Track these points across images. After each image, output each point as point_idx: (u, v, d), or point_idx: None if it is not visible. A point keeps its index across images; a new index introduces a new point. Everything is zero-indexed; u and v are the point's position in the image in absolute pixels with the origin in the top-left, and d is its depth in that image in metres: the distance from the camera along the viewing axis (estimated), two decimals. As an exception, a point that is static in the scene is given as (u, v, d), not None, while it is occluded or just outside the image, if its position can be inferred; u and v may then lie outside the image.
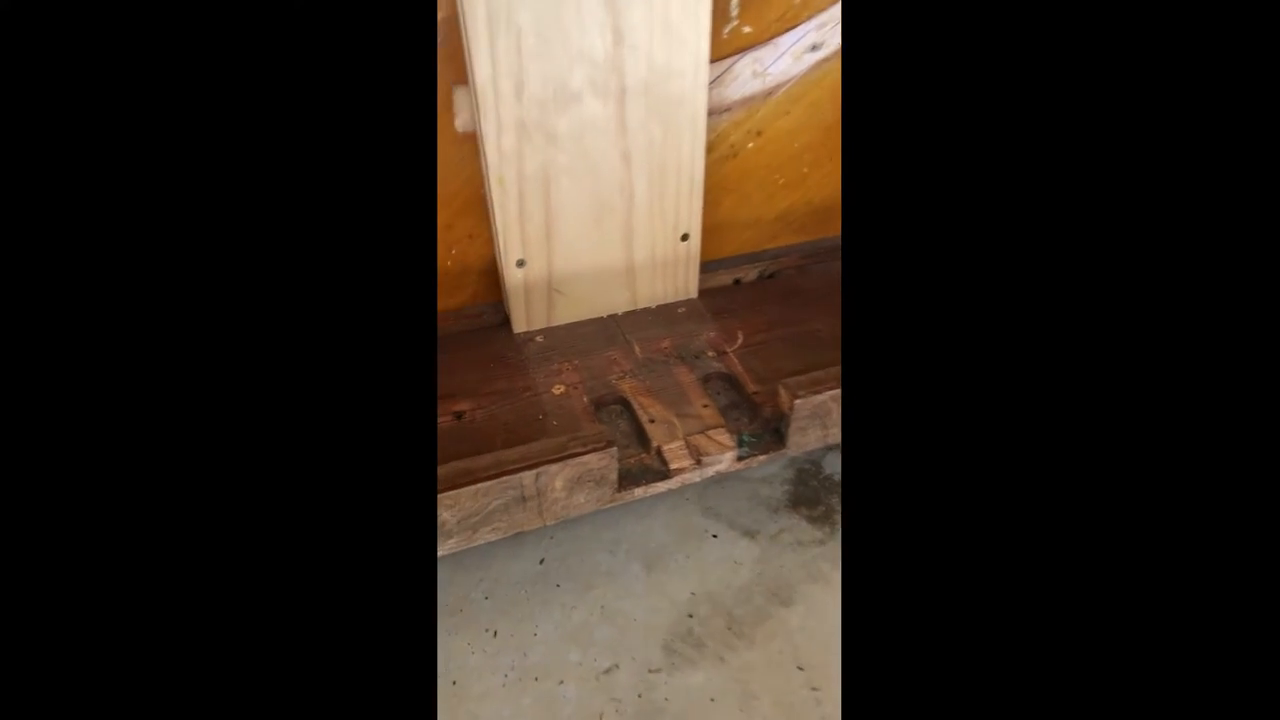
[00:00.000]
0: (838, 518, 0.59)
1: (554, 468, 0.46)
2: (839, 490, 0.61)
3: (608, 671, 0.49)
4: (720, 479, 0.62)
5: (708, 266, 0.68)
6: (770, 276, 0.71)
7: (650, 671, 0.49)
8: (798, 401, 0.51)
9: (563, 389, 0.57)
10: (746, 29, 0.59)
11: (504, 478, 0.45)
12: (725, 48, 0.59)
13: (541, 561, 0.56)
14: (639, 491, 0.51)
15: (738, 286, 0.70)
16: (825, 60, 0.62)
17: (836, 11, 0.60)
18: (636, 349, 0.61)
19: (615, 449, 0.47)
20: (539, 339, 0.62)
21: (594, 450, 0.47)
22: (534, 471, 0.46)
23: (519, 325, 0.63)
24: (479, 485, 0.45)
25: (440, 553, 0.47)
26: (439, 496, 0.44)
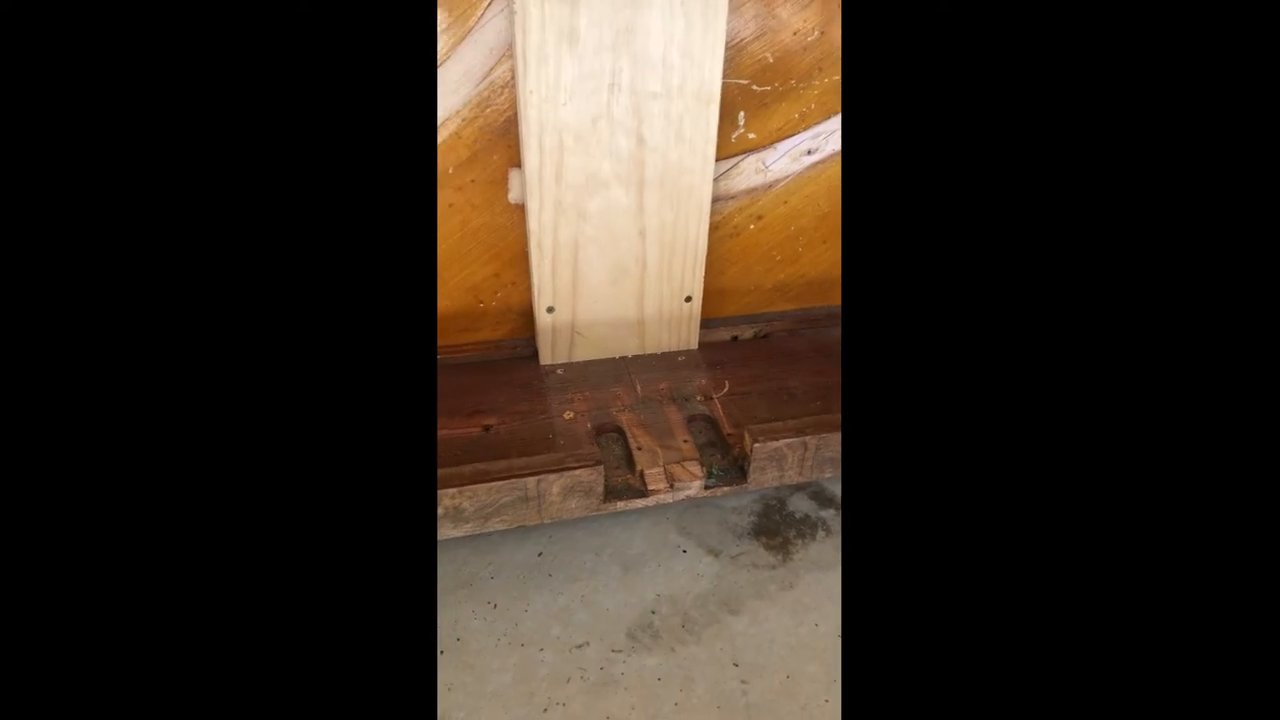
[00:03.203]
0: (792, 549, 0.69)
1: (552, 476, 0.59)
2: (797, 525, 0.72)
3: (579, 647, 0.61)
4: (697, 504, 0.73)
5: (710, 323, 0.80)
6: (764, 337, 0.83)
7: (613, 651, 0.60)
8: (756, 445, 0.62)
9: (572, 415, 0.70)
10: (751, 135, 0.71)
11: (512, 480, 0.58)
12: (733, 148, 0.72)
13: (540, 554, 0.68)
14: (620, 505, 0.63)
15: (734, 343, 0.82)
16: (819, 162, 0.74)
17: (829, 125, 0.72)
18: (638, 388, 0.73)
19: (603, 467, 0.60)
20: (559, 372, 0.76)
21: (585, 467, 0.59)
22: (536, 478, 0.59)
23: (545, 359, 0.76)
24: (492, 484, 0.58)
25: (458, 534, 0.60)
26: (462, 489, 0.57)
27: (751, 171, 0.73)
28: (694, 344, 0.79)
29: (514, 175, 0.68)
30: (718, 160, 0.69)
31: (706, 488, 0.64)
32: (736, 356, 0.79)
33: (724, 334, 0.81)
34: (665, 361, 0.77)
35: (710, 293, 0.77)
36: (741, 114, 0.70)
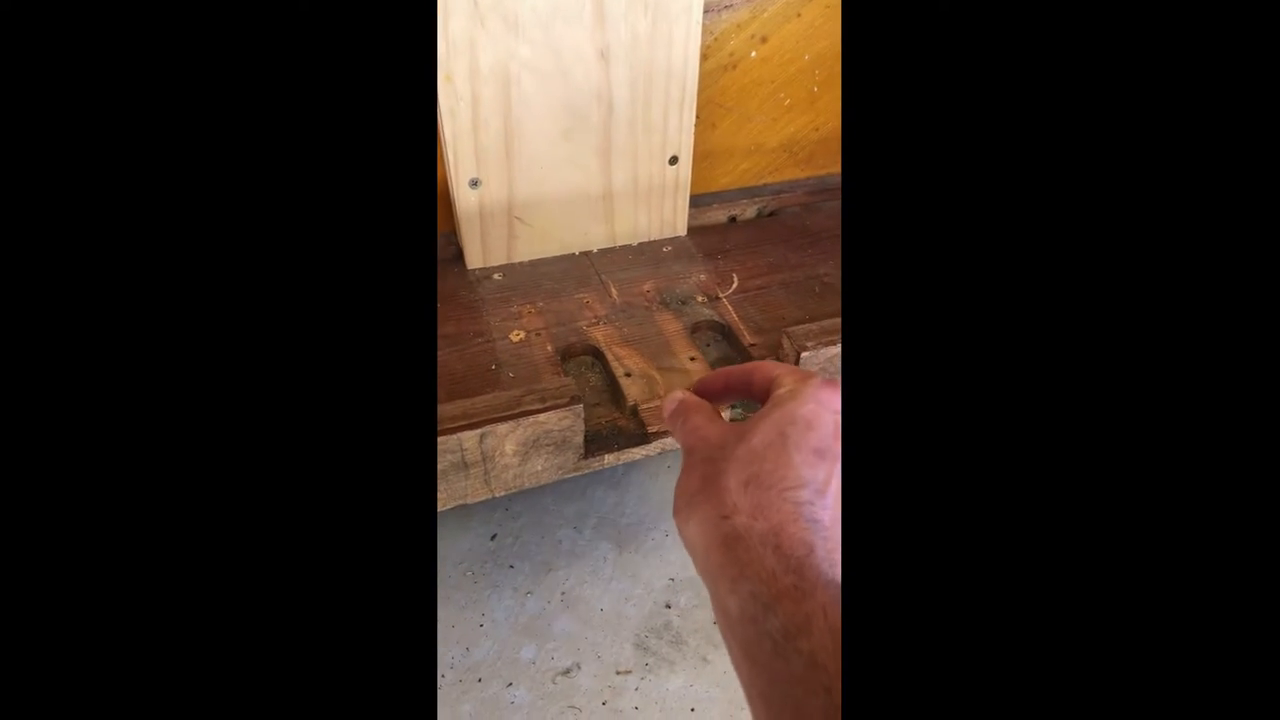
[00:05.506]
0: (842, 493, 0.51)
1: (503, 428, 0.37)
2: (844, 461, 0.53)
3: (567, 672, 0.41)
4: (707, 445, 0.53)
5: (699, 201, 0.59)
6: (771, 214, 0.62)
7: (618, 673, 0.41)
8: (805, 354, 0.42)
9: (522, 335, 0.48)
10: (755, -99, 0.48)
11: (440, 438, 0.36)
12: (728, -75, 0.48)
13: (493, 537, 0.47)
14: (610, 458, 0.42)
15: (733, 225, 0.61)
16: (847, -50, 0.52)
17: (864, -114, 0.49)
18: (613, 291, 0.52)
19: (581, 406, 0.38)
20: (497, 276, 0.53)
21: (554, 408, 0.38)
22: (478, 432, 0.37)
23: (474, 260, 0.53)
24: (408, 447, 0.36)
25: (362, 529, 0.38)
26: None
27: (754, -36, 0.51)
28: (682, 228, 0.57)
29: (398, -35, 0.43)
30: (708, -59, 0.46)
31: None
32: (741, 241, 0.58)
33: (718, 214, 0.60)
34: (646, 254, 0.56)
35: (697, 156, 0.55)
36: None
